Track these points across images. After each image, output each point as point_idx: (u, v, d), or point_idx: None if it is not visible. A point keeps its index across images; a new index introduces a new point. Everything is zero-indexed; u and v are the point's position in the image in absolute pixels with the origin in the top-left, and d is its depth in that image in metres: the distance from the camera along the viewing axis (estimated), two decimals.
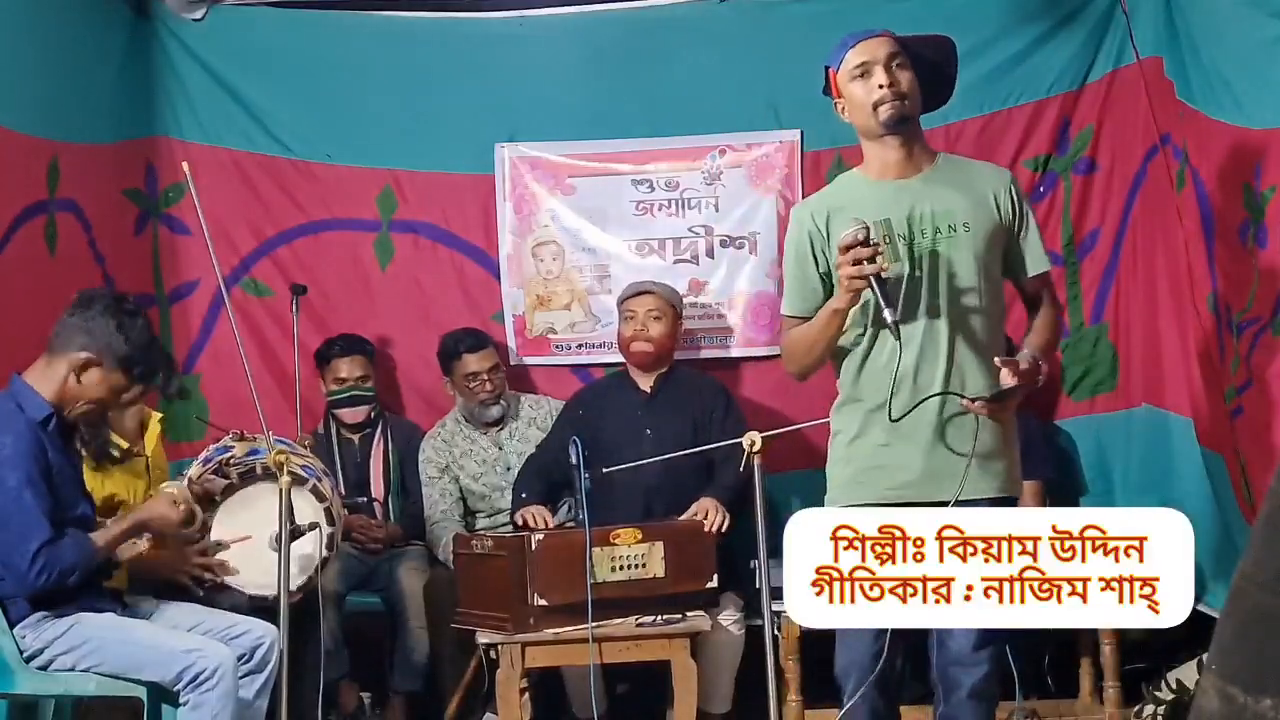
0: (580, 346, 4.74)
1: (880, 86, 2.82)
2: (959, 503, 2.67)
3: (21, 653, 3.10)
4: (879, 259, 2.72)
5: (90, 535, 3.15)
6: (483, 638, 3.64)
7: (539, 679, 3.89)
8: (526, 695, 3.71)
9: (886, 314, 2.72)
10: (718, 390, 4.32)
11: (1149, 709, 3.95)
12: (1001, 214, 2.90)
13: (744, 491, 4.03)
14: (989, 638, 2.87)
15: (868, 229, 2.73)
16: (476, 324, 4.64)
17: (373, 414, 4.56)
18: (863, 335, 2.87)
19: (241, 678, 3.17)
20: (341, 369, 4.52)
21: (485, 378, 4.43)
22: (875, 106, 2.84)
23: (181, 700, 3.08)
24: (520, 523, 4.04)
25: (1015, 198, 2.92)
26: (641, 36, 4.70)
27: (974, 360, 2.84)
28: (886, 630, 2.74)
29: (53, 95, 4.08)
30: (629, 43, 4.70)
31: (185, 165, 3.71)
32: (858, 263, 2.70)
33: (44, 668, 3.12)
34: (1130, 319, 4.48)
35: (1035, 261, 2.95)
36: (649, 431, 4.17)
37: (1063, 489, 4.39)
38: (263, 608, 3.45)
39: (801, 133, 4.55)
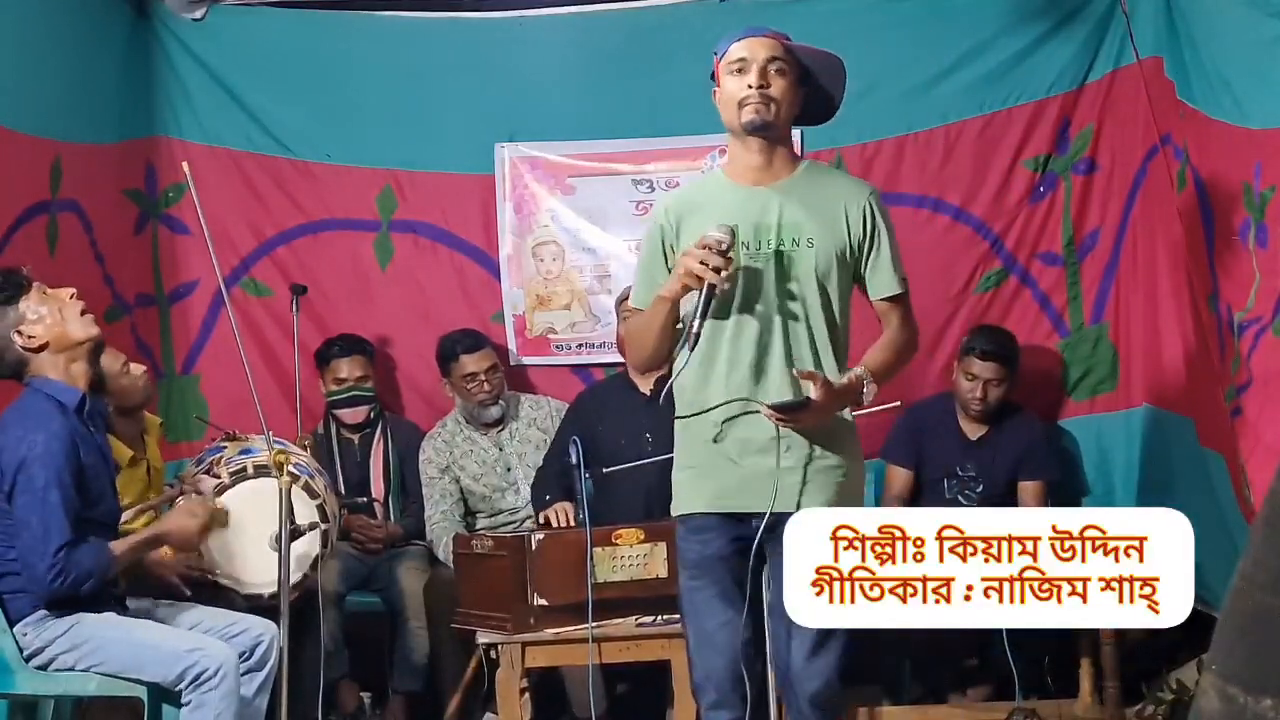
0: (580, 346, 4.74)
1: (750, 86, 2.79)
2: (774, 514, 2.68)
3: (22, 651, 3.10)
4: (722, 273, 2.70)
5: (109, 545, 3.15)
6: (483, 638, 3.64)
7: (539, 679, 3.89)
8: (526, 695, 3.71)
9: (695, 323, 2.72)
10: None
11: (1149, 709, 3.95)
12: (851, 233, 2.84)
13: None
14: (823, 648, 2.80)
15: (733, 237, 2.73)
16: (476, 324, 4.65)
17: (372, 414, 4.57)
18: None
19: (241, 675, 3.17)
20: (341, 369, 4.52)
21: (483, 378, 4.42)
22: (740, 105, 2.81)
23: (184, 700, 3.07)
24: (543, 521, 4.03)
25: (869, 217, 2.85)
26: (641, 36, 4.70)
27: (787, 374, 2.81)
28: (740, 640, 2.81)
29: (54, 95, 4.08)
30: (629, 43, 4.70)
31: (185, 165, 3.71)
32: (704, 263, 2.69)
33: (44, 667, 3.12)
34: (1130, 319, 4.48)
35: (881, 285, 2.88)
36: (649, 434, 4.17)
37: (1064, 489, 4.39)
38: (259, 606, 3.45)
39: (801, 133, 4.54)
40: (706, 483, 2.87)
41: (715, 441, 2.85)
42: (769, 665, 2.93)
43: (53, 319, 3.15)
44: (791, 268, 2.82)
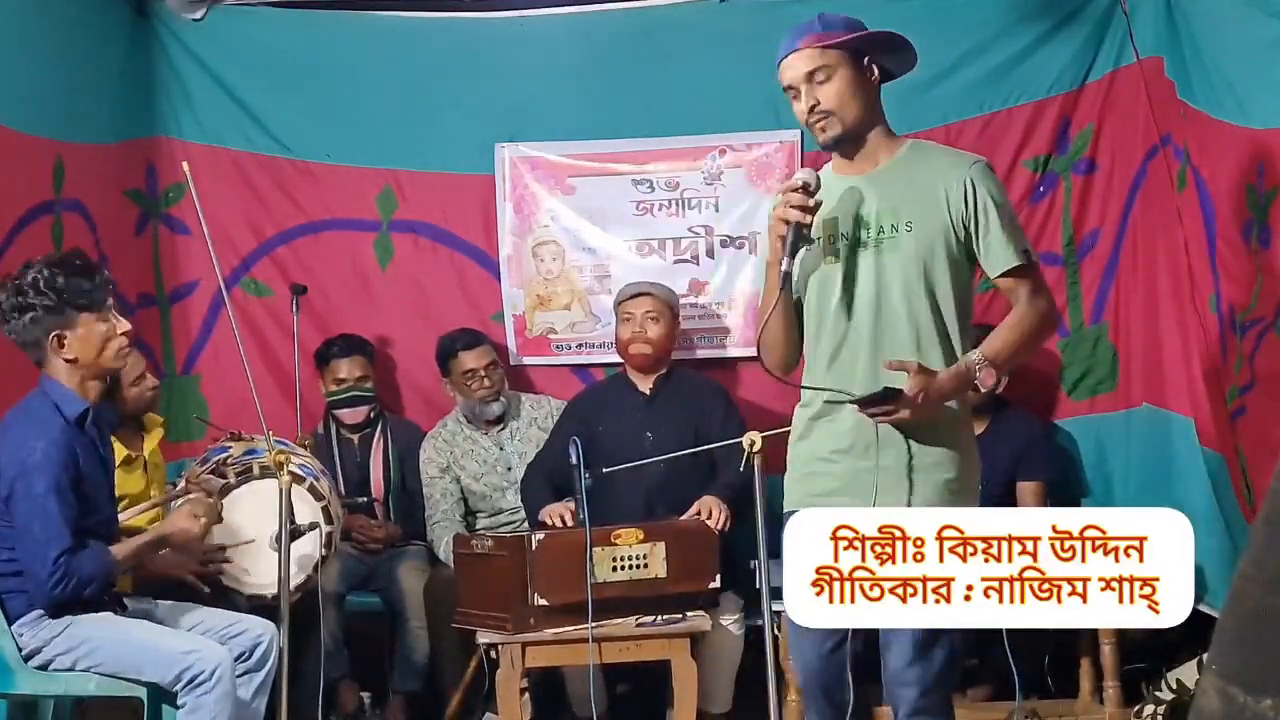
0: (580, 346, 4.74)
1: (805, 111, 2.73)
2: None
3: (20, 651, 3.10)
4: (806, 213, 2.64)
5: (110, 548, 3.15)
6: (483, 638, 3.64)
7: (539, 679, 3.89)
8: (526, 695, 3.72)
9: (784, 261, 2.65)
10: (716, 391, 4.32)
11: (1149, 709, 3.95)
12: (952, 212, 2.72)
13: (745, 490, 4.04)
14: (924, 655, 2.69)
15: (818, 181, 2.68)
16: (476, 324, 4.65)
17: (372, 414, 4.57)
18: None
19: (240, 676, 3.17)
20: (341, 369, 4.52)
21: (483, 374, 4.42)
22: (809, 127, 2.77)
23: (179, 702, 3.08)
24: (541, 522, 4.03)
25: (971, 193, 2.71)
26: (641, 36, 4.69)
27: (877, 366, 2.71)
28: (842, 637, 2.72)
29: (55, 95, 4.08)
30: (629, 43, 4.70)
31: (185, 165, 3.71)
32: (789, 204, 2.65)
33: (43, 667, 3.12)
34: (1130, 319, 4.47)
35: (996, 260, 2.73)
36: (649, 434, 4.17)
37: (1064, 489, 4.39)
38: (262, 607, 3.46)
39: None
40: (799, 484, 2.79)
41: (801, 440, 2.79)
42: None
43: (96, 345, 3.15)
44: (892, 254, 2.72)
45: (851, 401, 2.67)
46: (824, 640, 2.76)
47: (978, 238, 2.74)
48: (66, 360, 3.14)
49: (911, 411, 2.63)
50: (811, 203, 2.66)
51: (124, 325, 3.20)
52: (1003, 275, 2.75)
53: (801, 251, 2.69)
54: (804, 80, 2.72)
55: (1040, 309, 2.78)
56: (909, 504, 2.64)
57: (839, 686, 2.78)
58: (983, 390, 2.71)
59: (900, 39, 2.80)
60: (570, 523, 3.91)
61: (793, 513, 2.63)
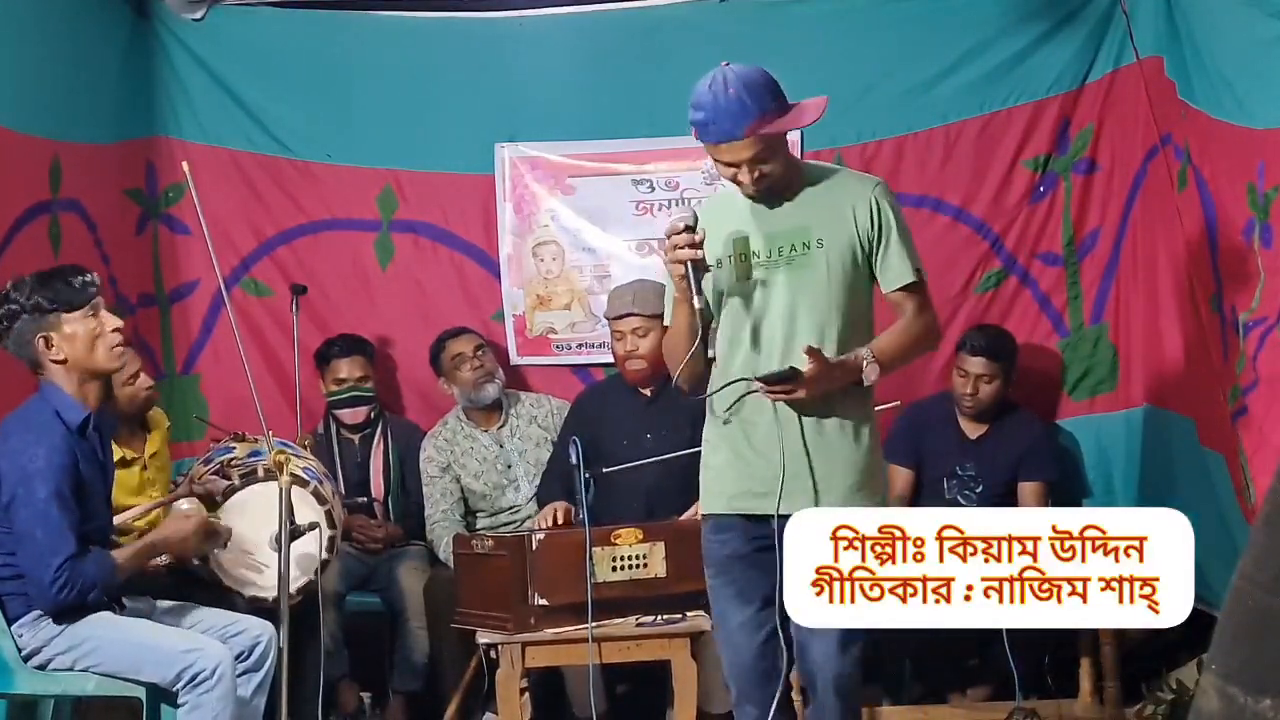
0: (580, 346, 4.74)
1: (743, 181, 2.86)
2: (781, 517, 2.65)
3: (20, 651, 3.10)
4: (693, 249, 2.80)
5: (112, 554, 3.15)
6: (483, 638, 3.63)
7: (539, 679, 3.89)
8: (526, 695, 3.72)
9: (695, 300, 2.82)
10: None
11: (1149, 709, 3.95)
12: (859, 228, 2.90)
13: None
14: (845, 635, 2.86)
15: (695, 217, 2.84)
16: (476, 324, 4.65)
17: (372, 414, 4.56)
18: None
19: (239, 675, 3.17)
20: (341, 369, 4.52)
21: (471, 356, 4.43)
22: (738, 184, 2.90)
23: (180, 701, 3.08)
24: (542, 522, 4.03)
25: (876, 211, 2.90)
26: (641, 36, 4.69)
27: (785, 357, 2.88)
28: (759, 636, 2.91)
29: (54, 95, 4.08)
30: (629, 43, 4.69)
31: (185, 165, 3.71)
32: (677, 247, 2.81)
33: (42, 667, 3.12)
34: (1130, 319, 4.48)
35: (894, 276, 2.93)
36: (649, 435, 4.16)
37: (1064, 489, 4.39)
38: (262, 609, 3.45)
39: (801, 133, 4.54)
40: (728, 484, 2.97)
41: (724, 425, 2.95)
42: (793, 658, 2.96)
43: (85, 343, 3.14)
44: (803, 271, 2.88)
45: (757, 379, 2.84)
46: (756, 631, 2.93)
47: (877, 254, 2.92)
48: (57, 362, 3.13)
49: (807, 390, 2.81)
50: (698, 238, 2.82)
51: (114, 322, 3.19)
52: (896, 291, 2.95)
53: (706, 279, 2.88)
54: (747, 162, 2.83)
55: (926, 321, 2.98)
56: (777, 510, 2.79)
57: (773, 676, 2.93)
58: (865, 384, 2.88)
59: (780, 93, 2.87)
60: (561, 521, 3.91)
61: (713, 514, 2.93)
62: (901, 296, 2.95)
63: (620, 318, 4.25)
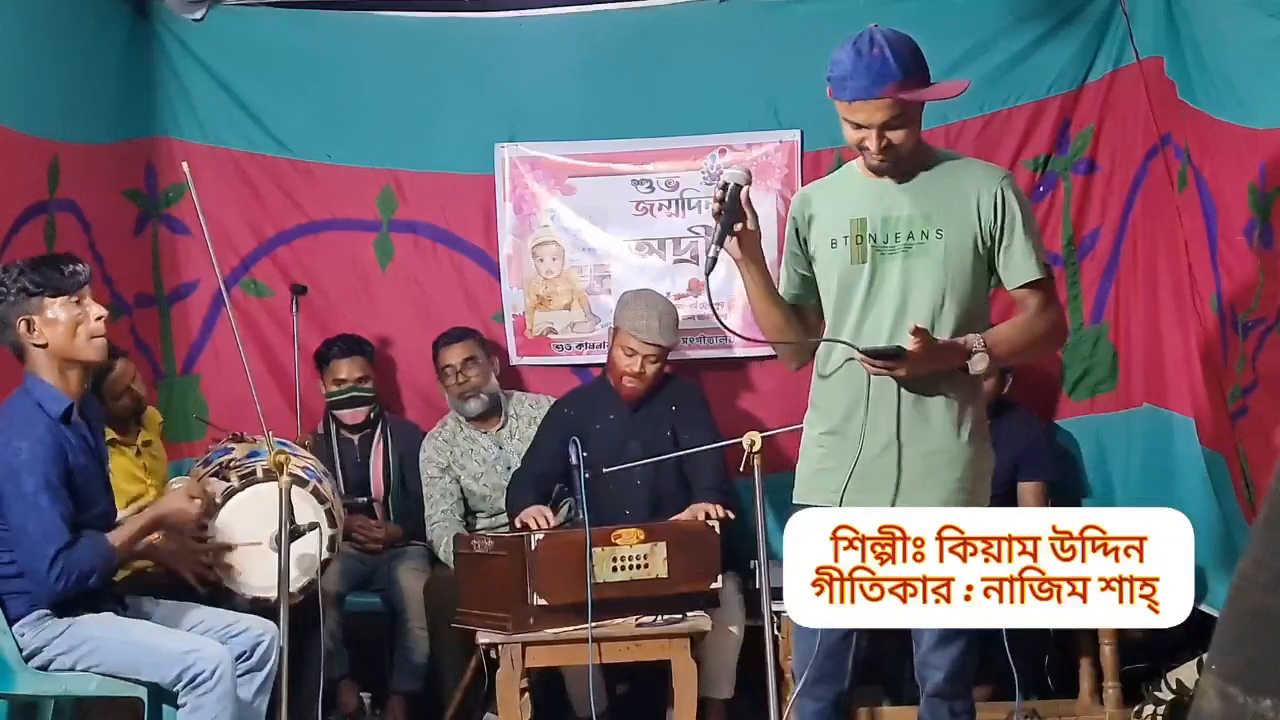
0: (580, 346, 4.74)
1: (869, 147, 2.74)
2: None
3: (21, 651, 3.10)
4: (724, 214, 2.73)
5: (106, 536, 3.15)
6: (483, 638, 3.64)
7: (539, 679, 3.89)
8: (526, 695, 3.71)
9: (712, 248, 2.74)
10: (693, 394, 4.32)
11: (1149, 709, 3.95)
12: (982, 220, 2.79)
13: (725, 487, 4.05)
14: (951, 639, 2.82)
15: (739, 184, 2.74)
16: (476, 324, 4.65)
17: (372, 414, 4.56)
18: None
19: (240, 676, 3.17)
20: (341, 369, 4.52)
21: (458, 369, 4.42)
22: (861, 149, 2.78)
23: (180, 701, 3.08)
24: (521, 525, 4.02)
25: (1001, 204, 2.78)
26: (641, 36, 4.69)
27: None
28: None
29: (53, 95, 4.07)
30: (629, 43, 4.69)
31: (185, 165, 3.71)
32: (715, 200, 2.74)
33: (43, 667, 3.12)
34: (1130, 319, 4.47)
35: (1017, 272, 2.81)
36: (633, 442, 4.16)
37: (1064, 489, 4.39)
38: (263, 609, 3.45)
39: (801, 133, 4.55)
40: (832, 476, 2.84)
41: (853, 438, 2.81)
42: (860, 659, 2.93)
43: (66, 329, 3.14)
44: (921, 259, 2.78)
45: (865, 352, 2.73)
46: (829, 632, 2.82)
47: (1000, 248, 2.81)
48: (38, 346, 3.13)
49: (909, 369, 2.71)
50: (730, 209, 2.73)
51: (98, 310, 3.19)
52: (1019, 288, 2.82)
53: (817, 260, 2.85)
54: (878, 126, 2.71)
55: (1051, 319, 2.86)
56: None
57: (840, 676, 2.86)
58: (971, 373, 2.76)
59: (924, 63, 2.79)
60: (544, 526, 3.89)
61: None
62: (1025, 293, 2.82)
63: (639, 339, 4.18)
